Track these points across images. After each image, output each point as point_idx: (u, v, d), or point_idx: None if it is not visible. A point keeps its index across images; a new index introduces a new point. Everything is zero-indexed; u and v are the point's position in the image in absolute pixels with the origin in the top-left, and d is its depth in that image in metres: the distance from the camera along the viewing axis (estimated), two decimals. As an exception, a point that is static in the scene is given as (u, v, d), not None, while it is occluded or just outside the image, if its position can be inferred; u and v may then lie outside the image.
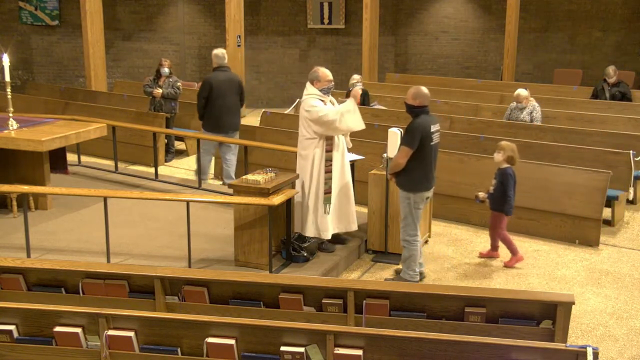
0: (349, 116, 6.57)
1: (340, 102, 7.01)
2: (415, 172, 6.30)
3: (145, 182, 9.36)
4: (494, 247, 7.28)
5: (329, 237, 6.87)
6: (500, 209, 7.04)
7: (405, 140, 6.28)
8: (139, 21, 16.95)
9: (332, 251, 6.86)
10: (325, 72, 6.72)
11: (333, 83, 6.83)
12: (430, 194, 6.51)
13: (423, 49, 16.04)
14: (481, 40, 15.62)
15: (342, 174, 6.87)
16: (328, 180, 6.76)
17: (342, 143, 6.87)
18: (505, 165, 7.04)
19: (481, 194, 7.17)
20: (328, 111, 6.57)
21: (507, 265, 7.07)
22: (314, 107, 6.61)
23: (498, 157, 7.08)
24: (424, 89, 6.38)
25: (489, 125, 10.03)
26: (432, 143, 6.29)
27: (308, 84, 6.75)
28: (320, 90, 6.69)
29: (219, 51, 9.19)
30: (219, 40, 16.34)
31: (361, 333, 3.98)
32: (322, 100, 6.69)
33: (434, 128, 6.32)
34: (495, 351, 3.80)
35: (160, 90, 10.57)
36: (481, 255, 7.29)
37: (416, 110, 6.32)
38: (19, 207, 7.67)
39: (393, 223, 7.10)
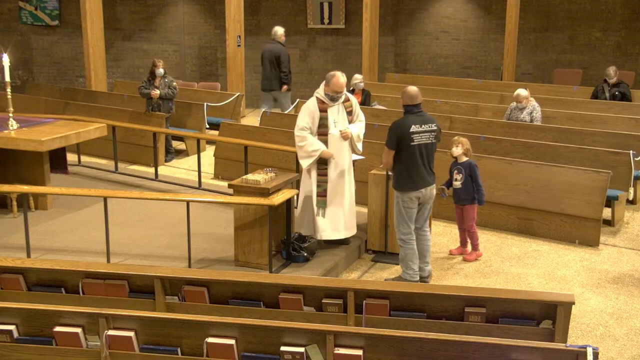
0: (303, 151, 6.70)
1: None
2: (399, 171, 6.31)
3: (145, 182, 9.36)
4: (465, 243, 7.32)
5: (324, 238, 6.89)
6: (471, 201, 7.11)
7: (386, 141, 6.33)
8: (139, 21, 16.95)
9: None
10: (337, 82, 6.68)
11: (341, 94, 6.77)
12: (420, 194, 6.34)
13: (423, 49, 16.03)
14: (481, 40, 15.60)
15: (338, 179, 6.85)
16: (322, 184, 6.78)
17: (342, 147, 6.84)
18: (466, 158, 7.14)
19: (447, 189, 7.21)
20: (302, 125, 6.70)
21: (468, 260, 7.15)
22: (302, 109, 6.80)
23: (458, 150, 7.17)
24: (411, 89, 6.35)
25: (489, 125, 10.03)
26: (412, 143, 6.19)
27: (323, 82, 6.82)
28: (326, 95, 6.74)
29: (275, 27, 11.94)
30: (219, 40, 16.35)
31: (361, 333, 3.98)
32: (325, 103, 6.73)
33: (415, 128, 6.20)
34: (495, 351, 3.80)
35: (157, 92, 10.57)
36: (452, 253, 7.32)
37: (404, 110, 6.37)
38: (19, 207, 7.68)
39: (393, 223, 7.09)
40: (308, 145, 6.68)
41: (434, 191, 6.53)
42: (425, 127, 6.28)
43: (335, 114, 6.79)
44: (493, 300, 4.52)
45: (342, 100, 6.82)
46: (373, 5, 14.15)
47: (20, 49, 17.00)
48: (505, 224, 8.02)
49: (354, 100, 6.98)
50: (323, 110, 6.75)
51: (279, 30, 11.78)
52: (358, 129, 6.93)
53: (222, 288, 4.84)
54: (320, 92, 6.79)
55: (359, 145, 6.98)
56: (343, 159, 6.87)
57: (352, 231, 7.07)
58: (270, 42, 11.79)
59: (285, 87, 11.69)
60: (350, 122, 6.90)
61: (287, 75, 11.68)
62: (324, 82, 6.80)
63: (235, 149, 9.42)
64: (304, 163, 6.74)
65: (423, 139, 6.26)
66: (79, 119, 9.33)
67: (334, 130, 6.76)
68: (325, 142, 6.75)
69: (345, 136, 6.77)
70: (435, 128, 6.35)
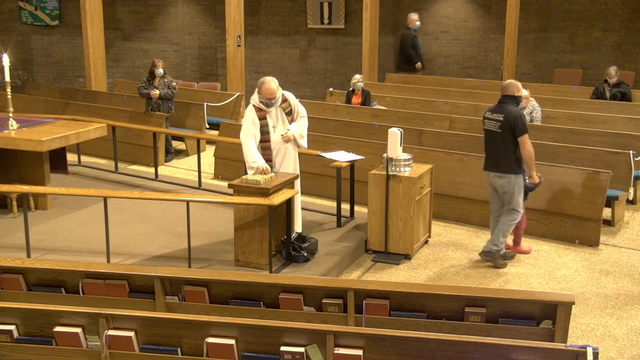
0: (246, 161, 6.72)
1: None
2: None
3: (145, 182, 9.37)
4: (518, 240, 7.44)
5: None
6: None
7: None
8: (139, 21, 16.95)
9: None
10: (268, 88, 6.65)
11: (273, 100, 6.73)
12: (490, 177, 6.95)
13: (423, 49, 16.00)
14: (481, 40, 15.60)
15: None
16: None
17: (285, 150, 6.87)
18: None
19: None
20: (244, 132, 6.75)
21: (525, 252, 7.34)
22: (244, 118, 6.87)
23: None
24: (506, 81, 7.02)
25: (489, 125, 10.01)
26: (484, 127, 6.97)
27: (256, 89, 6.79)
28: (260, 102, 6.74)
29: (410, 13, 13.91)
30: (219, 40, 16.34)
31: (361, 333, 3.98)
32: (262, 110, 6.74)
33: (487, 114, 6.94)
34: (495, 351, 3.80)
35: (157, 92, 10.59)
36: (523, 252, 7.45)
37: None
38: (19, 207, 7.68)
39: (393, 223, 7.11)
40: (249, 157, 6.70)
41: (499, 181, 6.84)
42: (494, 116, 6.81)
43: (274, 118, 6.80)
44: (493, 300, 4.51)
45: (279, 103, 6.80)
46: (373, 5, 14.14)
47: (20, 49, 16.99)
48: (505, 224, 8.01)
49: (292, 98, 6.93)
50: (262, 117, 6.76)
51: (410, 16, 13.69)
52: (299, 127, 6.92)
53: (222, 288, 4.84)
54: (255, 99, 6.78)
55: (302, 142, 7.01)
56: (288, 161, 6.91)
57: (298, 228, 7.10)
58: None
59: (418, 64, 13.84)
60: (291, 121, 6.90)
61: (410, 58, 13.81)
62: (257, 89, 6.77)
63: (235, 149, 9.41)
64: (249, 172, 6.74)
65: (490, 126, 6.88)
66: (79, 119, 9.34)
67: (274, 136, 6.79)
68: (269, 148, 6.79)
69: (286, 139, 6.81)
70: (501, 119, 6.74)
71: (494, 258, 6.96)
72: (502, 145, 6.78)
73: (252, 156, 6.68)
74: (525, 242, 7.54)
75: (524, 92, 9.94)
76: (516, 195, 6.84)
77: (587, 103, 11.50)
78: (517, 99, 6.88)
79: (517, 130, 6.68)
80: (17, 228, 7.14)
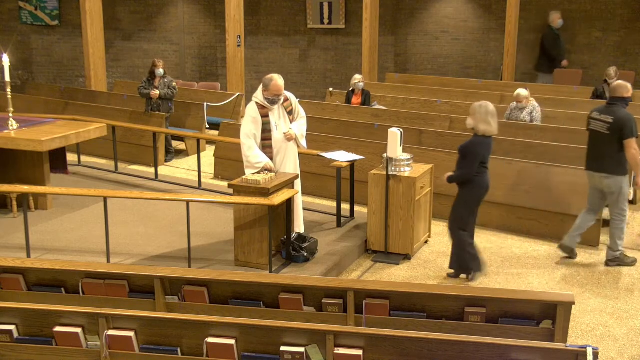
0: (247, 162, 6.71)
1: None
2: None
3: (145, 182, 9.37)
4: None
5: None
6: None
7: None
8: (139, 21, 16.95)
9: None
10: (276, 85, 6.66)
11: (281, 98, 6.76)
12: (588, 174, 7.01)
13: (423, 49, 16.02)
14: (481, 40, 15.59)
15: None
16: None
17: (286, 149, 6.88)
18: None
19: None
20: (246, 131, 6.70)
21: None
22: (245, 116, 6.80)
23: None
24: (615, 82, 6.99)
25: (489, 125, 10.00)
26: (589, 127, 7.00)
27: (260, 86, 6.78)
28: (265, 99, 6.72)
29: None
30: (219, 40, 16.34)
31: (361, 333, 3.98)
32: (266, 108, 6.73)
33: (594, 115, 6.95)
34: (495, 351, 3.80)
35: (157, 92, 10.59)
36: None
37: None
38: (19, 207, 7.68)
39: (393, 223, 7.10)
40: (252, 157, 6.68)
41: (605, 182, 6.84)
42: (602, 117, 6.87)
43: (277, 117, 6.80)
44: (493, 300, 4.51)
45: (281, 101, 6.81)
46: (373, 5, 14.15)
47: (20, 49, 16.99)
48: (505, 224, 8.02)
49: (293, 98, 6.96)
50: (264, 115, 6.75)
51: (552, 15, 13.86)
52: (299, 127, 6.95)
53: (222, 288, 4.84)
54: (259, 96, 6.77)
55: (303, 142, 7.03)
56: (289, 160, 6.92)
57: (300, 229, 7.09)
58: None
59: (565, 62, 14.03)
60: (292, 121, 6.91)
61: (553, 58, 14.02)
62: (261, 86, 6.77)
63: (235, 149, 9.41)
64: (248, 172, 6.73)
65: (597, 127, 6.90)
66: (79, 119, 9.34)
67: (276, 134, 6.79)
68: (270, 147, 6.78)
69: (289, 138, 6.82)
70: (611, 121, 6.75)
71: (622, 261, 7.09)
72: (608, 147, 6.78)
73: (257, 157, 6.68)
74: (524, 242, 7.53)
75: (524, 92, 10.00)
76: (622, 196, 6.90)
77: (587, 103, 11.48)
78: (626, 101, 6.85)
79: (625, 133, 6.69)
80: (17, 228, 7.15)
